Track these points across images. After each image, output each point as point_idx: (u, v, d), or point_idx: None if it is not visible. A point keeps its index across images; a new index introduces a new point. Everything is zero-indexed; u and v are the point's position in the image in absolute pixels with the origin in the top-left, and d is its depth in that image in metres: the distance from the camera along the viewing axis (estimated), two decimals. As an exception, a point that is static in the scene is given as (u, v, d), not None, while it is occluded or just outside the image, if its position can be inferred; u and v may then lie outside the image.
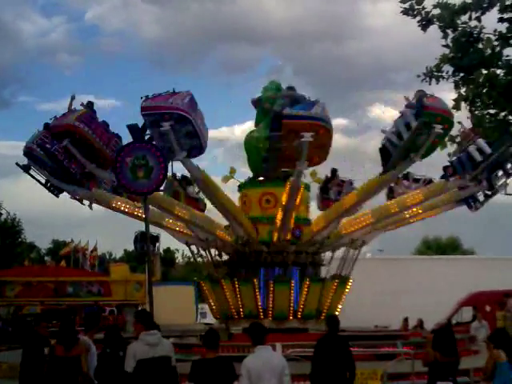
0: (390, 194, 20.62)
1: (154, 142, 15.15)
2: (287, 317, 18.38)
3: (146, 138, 15.31)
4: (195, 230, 19.21)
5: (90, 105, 17.86)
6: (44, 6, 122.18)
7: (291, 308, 18.34)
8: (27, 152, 17.61)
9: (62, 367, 9.17)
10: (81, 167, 17.57)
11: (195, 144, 15.99)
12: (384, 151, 16.59)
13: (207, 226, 19.03)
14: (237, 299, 18.56)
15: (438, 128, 15.31)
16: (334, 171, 20.98)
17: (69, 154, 17.20)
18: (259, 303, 18.24)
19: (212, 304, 19.65)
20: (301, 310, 18.50)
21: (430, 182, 20.37)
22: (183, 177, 20.27)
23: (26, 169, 17.95)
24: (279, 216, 18.17)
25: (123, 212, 18.77)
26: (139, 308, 31.58)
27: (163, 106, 15.26)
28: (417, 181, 20.60)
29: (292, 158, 16.90)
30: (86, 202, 18.78)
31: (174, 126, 15.16)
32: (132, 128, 15.19)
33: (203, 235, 19.24)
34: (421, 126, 15.28)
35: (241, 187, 19.89)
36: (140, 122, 15.33)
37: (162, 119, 15.06)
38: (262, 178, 19.81)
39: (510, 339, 9.00)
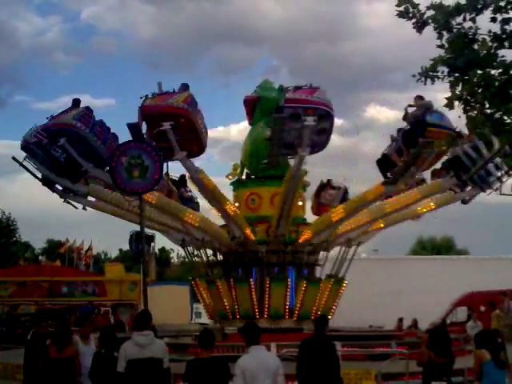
0: None
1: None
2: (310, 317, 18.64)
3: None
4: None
5: (186, 87, 16.34)
6: (39, 6, 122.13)
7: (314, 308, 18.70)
8: (63, 129, 15.85)
9: (54, 368, 9.12)
10: (169, 154, 15.81)
11: (320, 141, 15.76)
12: (456, 162, 16.67)
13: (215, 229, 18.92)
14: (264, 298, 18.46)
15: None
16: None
17: (160, 139, 15.29)
18: (287, 302, 18.38)
19: (226, 304, 19.03)
20: (320, 309, 18.80)
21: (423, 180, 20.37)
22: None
23: (41, 146, 16.33)
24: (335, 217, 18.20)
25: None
26: (135, 308, 31.67)
27: (310, 101, 15.22)
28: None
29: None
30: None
31: (316, 121, 15.06)
32: (277, 119, 14.92)
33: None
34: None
35: (237, 185, 19.90)
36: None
37: (305, 113, 14.94)
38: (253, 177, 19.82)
39: (493, 339, 9.02)
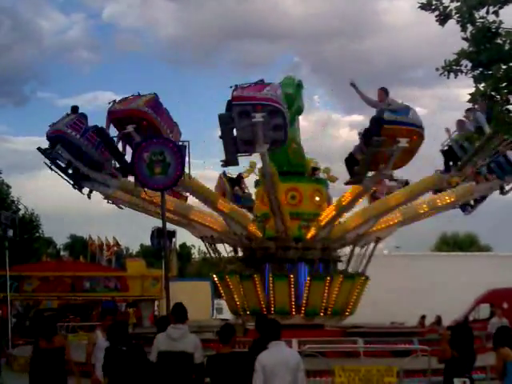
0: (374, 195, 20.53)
1: None
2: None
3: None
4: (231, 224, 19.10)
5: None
6: (63, 4, 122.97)
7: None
8: (57, 136, 16.78)
9: (45, 359, 9.20)
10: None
11: (278, 137, 15.44)
12: (449, 153, 16.67)
13: (241, 220, 19.09)
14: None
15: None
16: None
17: (128, 141, 16.06)
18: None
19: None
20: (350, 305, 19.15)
21: (406, 183, 20.32)
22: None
23: (52, 151, 17.07)
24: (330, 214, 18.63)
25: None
26: (156, 303, 31.87)
27: (258, 97, 14.75)
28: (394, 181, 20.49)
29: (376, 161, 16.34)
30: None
31: (266, 118, 14.70)
32: (223, 118, 14.86)
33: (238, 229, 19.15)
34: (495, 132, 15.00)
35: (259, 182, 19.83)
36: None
37: (254, 110, 14.61)
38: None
39: None
